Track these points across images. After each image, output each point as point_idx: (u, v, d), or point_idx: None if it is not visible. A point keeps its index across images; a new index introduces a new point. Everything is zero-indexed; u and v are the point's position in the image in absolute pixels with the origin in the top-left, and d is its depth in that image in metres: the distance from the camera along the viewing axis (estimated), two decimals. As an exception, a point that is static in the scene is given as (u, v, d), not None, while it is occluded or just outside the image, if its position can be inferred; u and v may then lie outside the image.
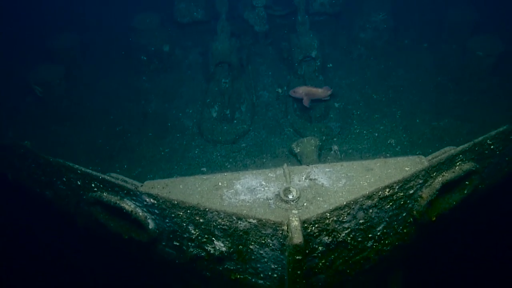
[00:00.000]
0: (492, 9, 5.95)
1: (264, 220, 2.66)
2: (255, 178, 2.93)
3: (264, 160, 4.85)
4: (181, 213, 2.86)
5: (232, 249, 2.90)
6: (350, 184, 2.85)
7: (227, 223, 2.76)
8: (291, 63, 5.78)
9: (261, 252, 2.83)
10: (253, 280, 3.06)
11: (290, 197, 2.75)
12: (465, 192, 3.25)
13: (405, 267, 3.87)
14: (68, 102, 5.45)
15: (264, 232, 2.71)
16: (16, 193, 4.13)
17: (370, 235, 3.02)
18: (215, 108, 5.34)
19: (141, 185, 2.93)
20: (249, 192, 2.84)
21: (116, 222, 3.25)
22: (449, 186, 3.15)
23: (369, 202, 2.82)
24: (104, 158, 4.94)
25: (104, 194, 3.10)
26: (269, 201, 2.78)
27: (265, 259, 2.87)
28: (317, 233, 2.73)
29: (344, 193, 2.80)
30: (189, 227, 2.90)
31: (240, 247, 2.87)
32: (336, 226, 2.79)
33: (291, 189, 2.78)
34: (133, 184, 2.96)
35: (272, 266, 2.89)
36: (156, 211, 2.95)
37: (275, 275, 2.94)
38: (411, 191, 2.97)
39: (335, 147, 4.80)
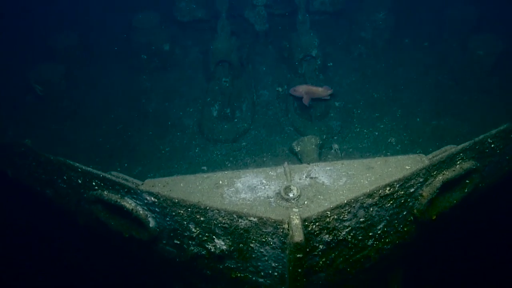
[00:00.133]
0: (492, 8, 5.95)
1: (264, 219, 2.66)
2: (255, 176, 2.93)
3: (265, 159, 4.85)
4: (181, 212, 2.86)
5: (232, 248, 2.91)
6: (351, 183, 2.85)
7: (228, 222, 2.77)
8: (292, 62, 5.77)
9: (262, 250, 2.83)
10: (254, 278, 3.07)
11: (291, 195, 2.75)
12: (466, 190, 3.26)
13: (405, 266, 3.87)
14: (68, 101, 5.45)
15: (264, 230, 2.71)
16: (16, 192, 4.13)
17: (370, 234, 3.02)
18: (215, 107, 5.34)
19: (142, 184, 2.93)
20: (250, 191, 2.84)
21: (116, 221, 3.25)
22: (450, 185, 3.15)
23: (369, 201, 2.82)
24: (105, 157, 4.94)
25: (105, 192, 3.10)
26: (270, 199, 2.78)
27: (266, 258, 2.87)
28: (317, 232, 2.73)
29: (344, 191, 2.80)
30: (190, 225, 2.90)
31: (241, 245, 2.87)
32: (337, 225, 2.79)
33: (292, 187, 2.78)
34: (134, 183, 2.97)
35: (273, 265, 2.89)
36: (156, 209, 2.96)
37: (276, 274, 2.94)
38: (412, 190, 2.97)
39: (336, 146, 4.80)
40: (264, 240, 2.77)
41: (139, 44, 5.87)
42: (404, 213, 3.07)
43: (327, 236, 2.80)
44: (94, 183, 3.12)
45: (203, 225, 2.86)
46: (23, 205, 4.78)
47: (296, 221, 2.56)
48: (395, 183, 2.86)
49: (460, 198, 3.23)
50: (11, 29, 6.07)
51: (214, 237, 2.89)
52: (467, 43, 5.44)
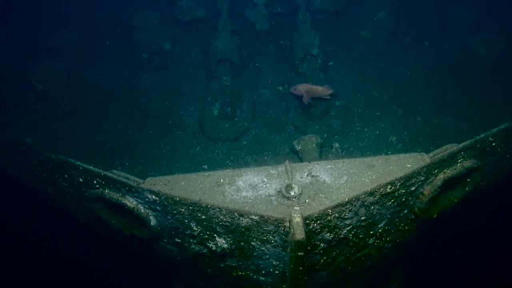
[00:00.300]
0: (493, 6, 5.95)
1: (266, 217, 2.66)
2: (257, 175, 2.93)
3: (265, 158, 4.85)
4: (183, 210, 2.86)
5: (233, 246, 2.91)
6: (352, 181, 2.86)
7: (229, 220, 2.77)
8: (292, 61, 5.78)
9: (263, 248, 2.84)
10: (255, 277, 3.07)
11: (292, 193, 2.75)
12: (467, 189, 3.26)
13: (406, 264, 3.87)
14: (69, 99, 5.45)
15: (266, 228, 2.71)
16: (16, 190, 4.13)
17: (371, 232, 3.02)
18: (216, 106, 5.35)
19: (143, 182, 2.94)
20: (251, 189, 2.84)
21: (118, 219, 3.25)
22: (451, 183, 3.15)
23: (370, 199, 2.82)
24: (105, 155, 4.95)
25: (106, 191, 3.10)
26: (271, 197, 2.78)
27: (267, 256, 2.87)
28: (319, 230, 2.73)
29: (345, 189, 2.80)
30: (191, 223, 2.91)
31: (242, 243, 2.87)
32: (338, 223, 2.79)
33: (293, 185, 2.79)
34: (135, 181, 2.97)
35: (274, 263, 2.89)
36: (158, 207, 2.96)
37: (277, 272, 2.94)
38: (413, 188, 2.97)
39: (336, 145, 4.80)
40: (265, 238, 2.77)
41: (140, 43, 5.87)
42: (405, 211, 3.08)
43: (328, 234, 2.80)
44: (95, 182, 3.12)
45: (204, 223, 2.86)
46: (23, 203, 4.78)
47: (297, 219, 2.56)
48: (396, 182, 2.86)
49: (461, 196, 3.23)
50: (12, 28, 6.07)
51: (215, 235, 2.89)
52: (467, 42, 5.44)
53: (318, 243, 2.80)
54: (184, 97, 5.68)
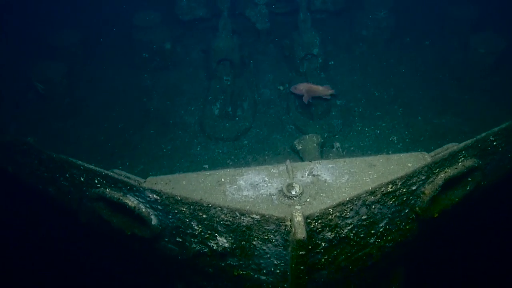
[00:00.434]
0: (494, 6, 5.95)
1: (267, 216, 2.66)
2: (258, 174, 2.93)
3: (266, 158, 4.85)
4: (184, 209, 2.86)
5: (235, 245, 2.91)
6: (353, 180, 2.86)
7: (230, 219, 2.77)
8: (293, 60, 5.78)
9: (264, 248, 2.84)
10: (256, 276, 3.07)
11: (293, 192, 2.75)
12: (468, 188, 3.26)
13: (407, 264, 3.88)
14: (69, 99, 5.46)
15: (267, 227, 2.71)
16: (17, 189, 4.13)
17: (372, 231, 3.02)
18: (217, 105, 5.35)
19: (144, 181, 2.94)
20: (252, 188, 2.84)
21: (119, 218, 3.25)
22: (452, 183, 3.15)
23: (372, 198, 2.82)
24: (106, 155, 4.95)
25: (107, 190, 3.10)
26: (272, 196, 2.78)
27: (268, 255, 2.87)
28: (320, 229, 2.73)
29: (347, 189, 2.80)
30: (192, 223, 2.91)
31: (243, 243, 2.87)
32: (339, 222, 2.79)
33: (294, 185, 2.79)
34: (136, 180, 2.97)
35: (275, 262, 2.89)
36: (159, 207, 2.96)
37: (278, 271, 2.94)
38: (414, 187, 2.97)
39: (337, 144, 4.80)
40: (266, 237, 2.77)
41: (141, 42, 5.87)
42: (406, 210, 3.08)
43: (329, 233, 2.80)
44: (96, 181, 3.12)
45: (205, 222, 2.86)
46: (24, 203, 4.78)
47: (298, 218, 2.56)
48: (397, 181, 2.86)
49: (462, 196, 3.23)
50: (13, 27, 6.07)
51: (216, 234, 2.90)
52: (468, 42, 5.45)
53: (319, 242, 2.80)
54: (185, 97, 5.69)
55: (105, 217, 3.27)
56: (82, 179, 3.20)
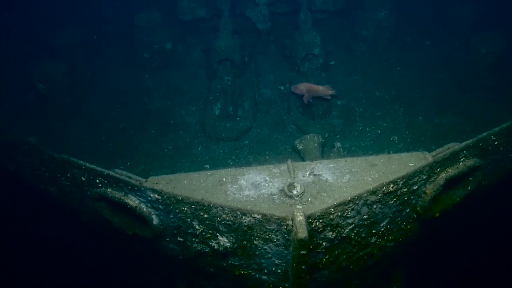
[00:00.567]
0: (494, 6, 5.95)
1: (268, 215, 2.66)
2: (259, 173, 2.93)
3: (267, 157, 4.85)
4: (185, 209, 2.86)
5: (236, 245, 2.91)
6: (354, 180, 2.86)
7: (232, 219, 2.77)
8: (294, 60, 5.78)
9: (265, 247, 2.84)
10: (257, 275, 3.07)
11: (295, 192, 2.75)
12: (469, 188, 3.26)
13: (408, 263, 3.88)
14: (70, 99, 5.46)
15: (268, 227, 2.71)
16: (18, 189, 4.14)
17: (373, 231, 3.02)
18: (217, 105, 5.35)
19: (146, 181, 2.94)
20: (254, 188, 2.84)
21: (120, 218, 3.25)
22: (453, 182, 3.15)
23: (373, 198, 2.82)
24: (107, 155, 4.95)
25: (109, 190, 3.10)
26: (274, 196, 2.78)
27: (269, 255, 2.87)
28: (321, 228, 2.73)
29: (348, 188, 2.80)
30: (193, 222, 2.91)
31: (244, 242, 2.87)
32: (340, 222, 2.79)
33: (296, 184, 2.79)
34: (138, 180, 2.97)
35: (276, 262, 2.90)
36: (160, 206, 2.96)
37: (279, 271, 2.94)
38: (415, 187, 2.97)
39: (338, 144, 4.79)
40: (267, 237, 2.77)
41: (142, 43, 5.88)
42: (407, 210, 3.08)
43: (330, 233, 2.80)
44: (97, 181, 3.13)
45: (207, 222, 2.86)
46: (25, 203, 4.79)
47: (300, 217, 2.56)
48: (399, 180, 2.86)
49: (463, 195, 3.23)
50: (14, 27, 6.08)
51: (217, 234, 2.90)
52: (469, 42, 5.44)
53: (321, 241, 2.80)
54: (186, 97, 5.69)
55: (107, 217, 3.27)
56: (83, 179, 3.20)
